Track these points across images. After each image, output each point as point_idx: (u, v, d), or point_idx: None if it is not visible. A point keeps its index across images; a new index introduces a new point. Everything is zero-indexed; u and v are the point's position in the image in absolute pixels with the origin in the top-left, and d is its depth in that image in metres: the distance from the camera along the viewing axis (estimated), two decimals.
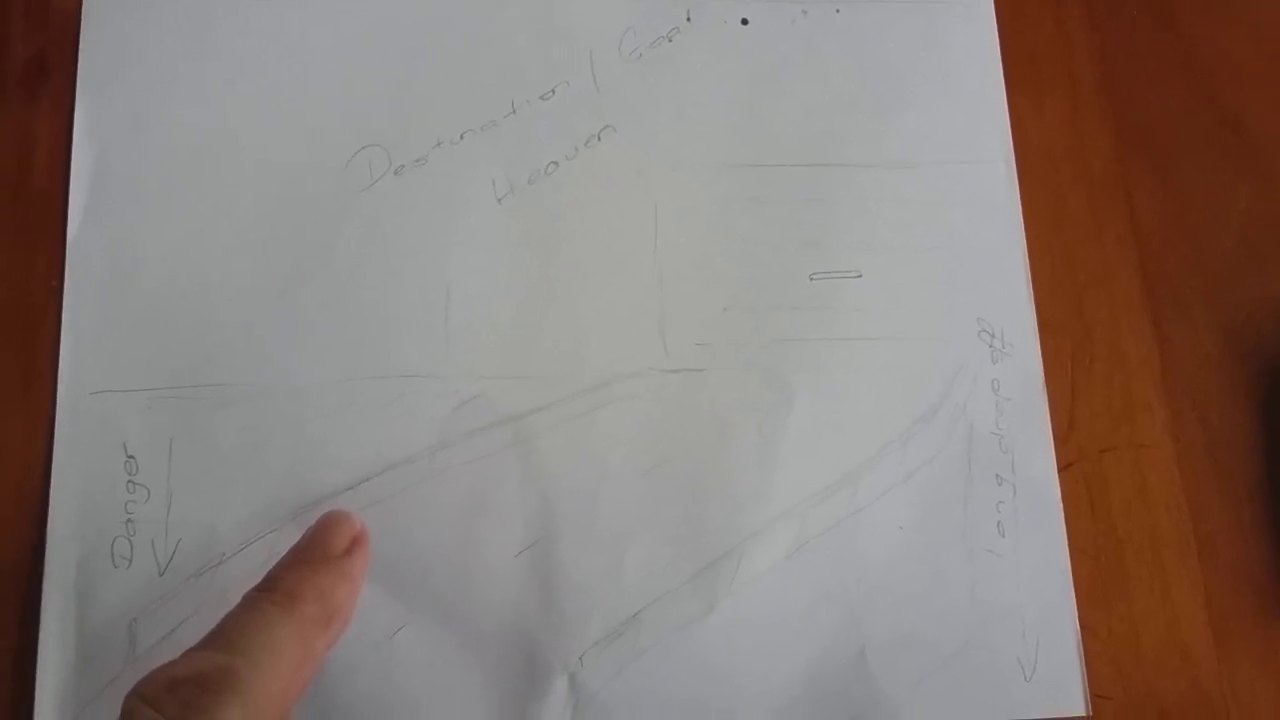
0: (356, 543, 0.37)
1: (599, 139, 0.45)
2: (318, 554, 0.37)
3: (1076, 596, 0.41)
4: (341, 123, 0.44)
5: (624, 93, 0.45)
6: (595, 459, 0.42)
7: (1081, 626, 0.41)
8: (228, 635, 0.33)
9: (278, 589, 0.34)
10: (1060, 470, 0.42)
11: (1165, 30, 0.47)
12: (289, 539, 0.40)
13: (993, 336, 0.43)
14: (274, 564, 0.37)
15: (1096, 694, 0.40)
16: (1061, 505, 0.42)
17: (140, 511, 0.41)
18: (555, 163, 0.44)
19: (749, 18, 0.46)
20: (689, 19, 0.46)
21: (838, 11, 0.46)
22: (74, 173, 0.44)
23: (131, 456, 0.41)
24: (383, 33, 0.45)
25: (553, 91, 0.45)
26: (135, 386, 0.42)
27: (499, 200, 0.44)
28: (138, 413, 0.42)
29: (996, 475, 0.42)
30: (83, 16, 0.45)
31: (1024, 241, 0.44)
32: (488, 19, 0.45)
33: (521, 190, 0.44)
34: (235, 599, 0.40)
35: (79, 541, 0.40)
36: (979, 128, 0.45)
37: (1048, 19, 0.47)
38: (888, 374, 0.43)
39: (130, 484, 0.41)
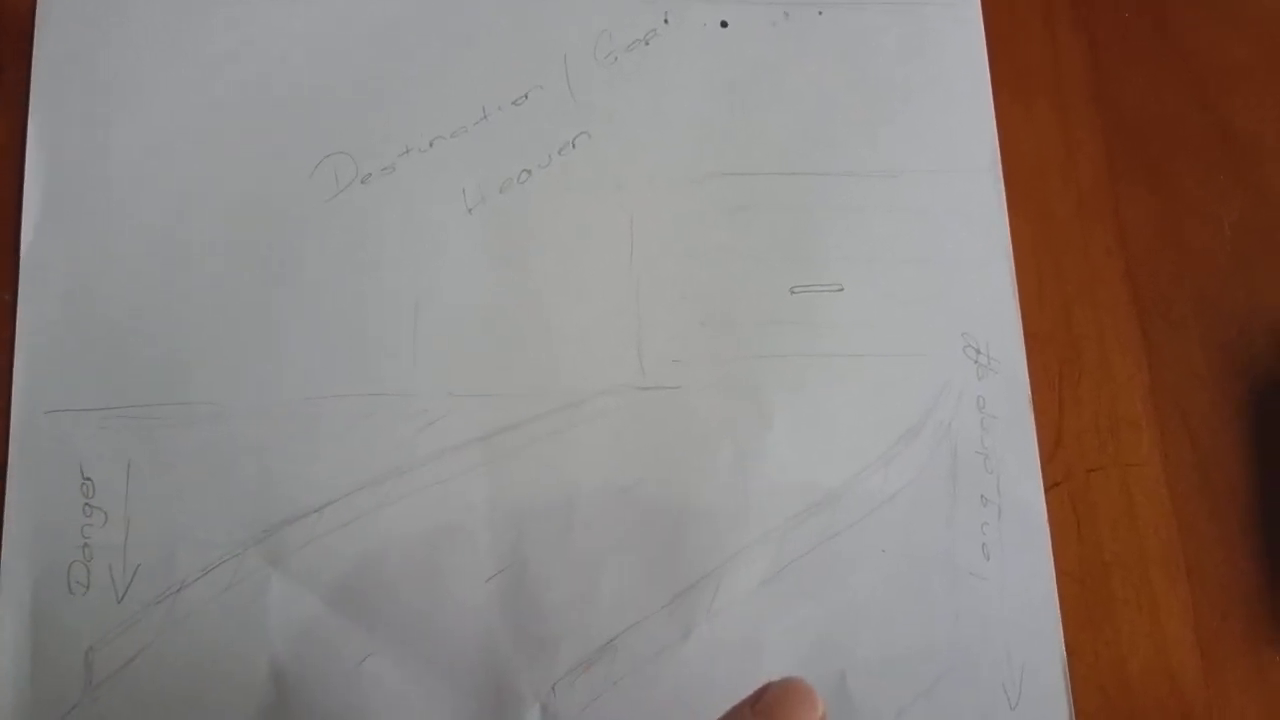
0: None
1: (573, 146, 0.43)
2: None
3: (1063, 620, 0.40)
4: (306, 129, 0.43)
5: (600, 98, 0.44)
6: (568, 480, 0.40)
7: (1068, 651, 0.40)
8: None
9: None
10: (1046, 490, 0.41)
11: (1158, 35, 0.45)
12: (251, 564, 0.39)
13: (978, 352, 0.42)
14: None
15: None
16: (1048, 526, 0.41)
17: (97, 536, 0.39)
18: (528, 171, 0.43)
19: (729, 20, 0.45)
20: (667, 21, 0.44)
21: (820, 14, 0.45)
22: (28, 182, 0.42)
23: (88, 478, 0.40)
24: (349, 35, 0.43)
25: (525, 97, 0.44)
26: (92, 405, 0.40)
27: (470, 210, 0.42)
28: (95, 433, 0.40)
29: (981, 496, 0.41)
30: (37, 18, 0.43)
31: (1010, 253, 0.43)
32: (458, 21, 0.44)
33: (493, 200, 0.43)
34: (196, 626, 0.39)
35: (34, 566, 0.39)
36: (965, 135, 0.44)
37: (1037, 23, 0.45)
38: (870, 391, 0.42)
39: (87, 507, 0.40)
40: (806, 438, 0.41)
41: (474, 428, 0.41)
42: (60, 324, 0.41)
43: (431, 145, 0.43)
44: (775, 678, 0.39)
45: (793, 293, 0.42)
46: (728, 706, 0.39)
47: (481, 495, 0.40)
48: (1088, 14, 0.45)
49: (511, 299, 0.42)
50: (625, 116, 0.44)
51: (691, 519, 0.40)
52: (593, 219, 0.43)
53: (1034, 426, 0.41)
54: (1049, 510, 0.41)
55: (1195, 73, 0.45)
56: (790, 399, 0.41)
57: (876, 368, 0.42)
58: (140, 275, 0.41)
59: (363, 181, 0.42)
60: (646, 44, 0.44)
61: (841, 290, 0.42)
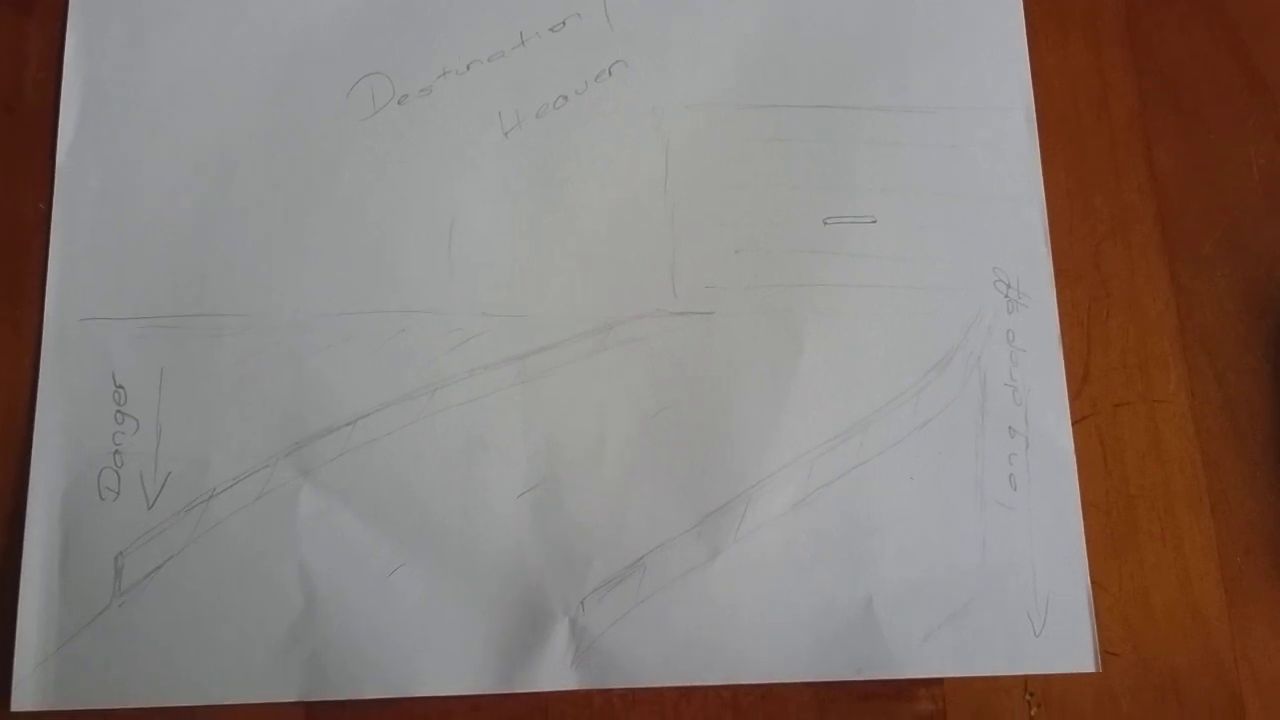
0: None
1: (610, 73, 0.43)
2: None
3: (1088, 552, 0.40)
4: (344, 48, 0.43)
5: (637, 26, 0.44)
6: (601, 401, 0.40)
7: (1092, 581, 0.40)
8: None
9: None
10: (1074, 423, 0.41)
11: None
12: (283, 475, 0.39)
13: (1009, 286, 0.42)
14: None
15: (1106, 650, 0.39)
16: (1075, 459, 0.41)
17: (129, 443, 0.39)
18: (564, 97, 0.43)
19: None
20: None
21: None
22: (65, 90, 0.42)
23: (120, 386, 0.40)
24: None
25: (563, 23, 0.44)
26: (126, 314, 0.40)
27: (505, 134, 0.43)
28: (128, 341, 0.40)
29: (1010, 427, 0.41)
30: None
31: (1042, 189, 0.43)
32: None
33: (529, 124, 0.43)
34: (226, 535, 0.39)
35: (64, 472, 0.39)
36: (999, 72, 0.44)
37: None
38: (901, 322, 0.42)
39: (119, 414, 0.40)
40: (838, 366, 0.41)
41: (507, 347, 0.41)
42: (95, 233, 0.41)
43: (469, 68, 0.43)
44: (798, 606, 0.39)
45: (826, 223, 0.42)
46: (752, 626, 0.39)
47: (514, 413, 0.40)
48: None
49: (546, 222, 0.42)
50: (662, 45, 0.44)
51: (722, 443, 0.40)
52: (628, 145, 0.43)
53: (1062, 360, 0.42)
54: (1076, 443, 0.41)
55: (1230, 15, 0.45)
56: (822, 328, 0.41)
57: (908, 299, 0.42)
58: (176, 187, 0.42)
59: (399, 102, 0.43)
60: None
61: (874, 222, 0.42)
